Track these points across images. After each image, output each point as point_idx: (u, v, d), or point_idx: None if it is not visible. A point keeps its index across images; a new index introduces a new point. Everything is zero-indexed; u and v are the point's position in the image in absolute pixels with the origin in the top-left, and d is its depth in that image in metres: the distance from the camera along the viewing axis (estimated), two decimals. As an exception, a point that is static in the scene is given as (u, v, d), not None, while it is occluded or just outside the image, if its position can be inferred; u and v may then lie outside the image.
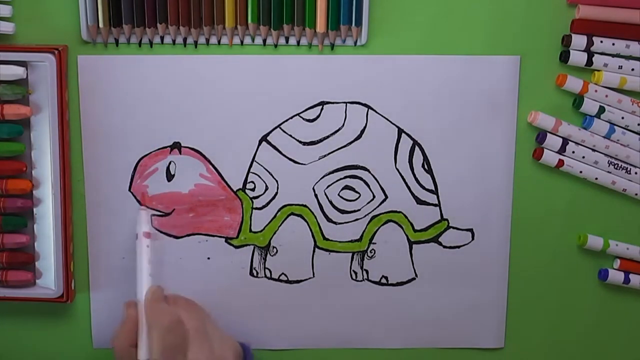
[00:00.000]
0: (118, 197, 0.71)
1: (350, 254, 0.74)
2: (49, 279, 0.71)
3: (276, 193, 0.72)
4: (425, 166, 0.72)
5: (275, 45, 0.69)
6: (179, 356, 0.63)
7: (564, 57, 0.70)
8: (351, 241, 0.73)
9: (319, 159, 0.71)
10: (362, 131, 0.71)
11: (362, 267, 0.74)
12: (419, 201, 0.73)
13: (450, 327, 0.76)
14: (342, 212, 0.73)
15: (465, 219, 0.73)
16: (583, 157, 0.72)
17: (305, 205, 0.72)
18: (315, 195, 0.72)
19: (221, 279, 0.73)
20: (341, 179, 0.72)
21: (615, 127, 0.72)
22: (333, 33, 0.68)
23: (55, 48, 0.66)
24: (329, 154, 0.71)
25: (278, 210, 0.72)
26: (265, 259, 0.73)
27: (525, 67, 0.71)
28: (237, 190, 0.72)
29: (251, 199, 0.72)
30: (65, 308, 0.74)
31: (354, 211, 0.73)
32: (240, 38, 0.69)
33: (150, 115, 0.70)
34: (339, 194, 0.72)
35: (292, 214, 0.72)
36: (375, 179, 0.72)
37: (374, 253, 0.74)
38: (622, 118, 0.71)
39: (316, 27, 0.68)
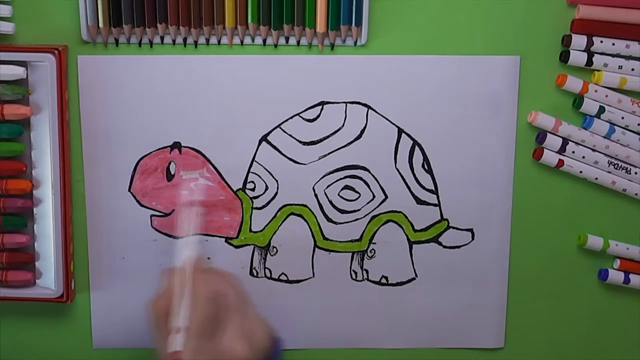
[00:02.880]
0: (118, 197, 0.71)
1: (350, 254, 0.74)
2: (49, 279, 0.71)
3: (276, 193, 0.72)
4: (425, 166, 0.72)
5: (275, 45, 0.69)
6: (216, 328, 0.63)
7: (564, 57, 0.70)
8: (351, 241, 0.73)
9: (319, 159, 0.72)
10: (362, 131, 0.71)
11: (362, 267, 0.74)
12: (419, 201, 0.73)
13: (450, 327, 0.76)
14: (342, 212, 0.73)
15: (465, 219, 0.73)
16: (583, 157, 0.72)
17: (305, 205, 0.72)
18: (315, 195, 0.72)
19: (221, 279, 0.73)
20: (341, 178, 0.72)
21: (615, 127, 0.72)
22: (333, 33, 0.68)
23: (55, 48, 0.66)
24: (329, 154, 0.71)
25: (278, 210, 0.72)
26: (265, 259, 0.73)
27: (525, 67, 0.71)
28: (237, 190, 0.72)
29: (251, 199, 0.72)
30: (65, 308, 0.74)
31: (354, 211, 0.73)
32: (240, 38, 0.69)
33: (150, 115, 0.70)
34: (339, 194, 0.72)
35: (292, 213, 0.72)
36: (375, 179, 0.72)
37: (374, 253, 0.74)
38: (622, 118, 0.71)
39: (316, 27, 0.68)
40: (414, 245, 0.74)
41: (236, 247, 0.73)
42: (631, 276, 0.75)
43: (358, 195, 0.72)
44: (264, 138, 0.71)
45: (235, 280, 0.67)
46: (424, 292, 0.75)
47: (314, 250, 0.73)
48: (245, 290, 0.67)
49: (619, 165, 0.72)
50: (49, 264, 0.70)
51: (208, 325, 0.62)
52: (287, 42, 0.69)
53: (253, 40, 0.69)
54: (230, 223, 0.73)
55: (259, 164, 0.71)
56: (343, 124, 0.71)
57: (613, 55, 0.70)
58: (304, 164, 0.72)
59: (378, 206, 0.73)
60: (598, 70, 0.70)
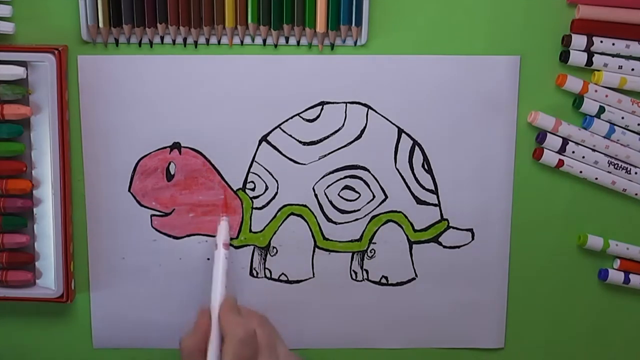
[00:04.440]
0: (118, 197, 0.71)
1: (350, 254, 0.74)
2: (49, 279, 0.71)
3: (276, 193, 0.72)
4: (425, 166, 0.72)
5: (275, 45, 0.69)
6: None
7: (564, 57, 0.70)
8: (351, 241, 0.73)
9: (319, 159, 0.72)
10: (362, 131, 0.71)
11: (362, 267, 0.74)
12: (419, 201, 0.73)
13: (451, 327, 0.76)
14: (342, 212, 0.73)
15: (465, 219, 0.73)
16: (583, 157, 0.72)
17: (305, 205, 0.72)
18: (315, 195, 0.72)
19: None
20: (341, 179, 0.72)
21: (615, 127, 0.72)
22: (333, 33, 0.68)
23: (55, 48, 0.66)
24: (329, 154, 0.71)
25: (278, 210, 0.72)
26: (265, 259, 0.73)
27: (525, 67, 0.71)
28: (237, 190, 0.72)
29: (251, 199, 0.72)
30: (65, 308, 0.74)
31: (354, 211, 0.73)
32: (240, 38, 0.69)
33: (150, 115, 0.70)
34: (339, 194, 0.72)
35: (292, 214, 0.72)
36: (375, 179, 0.72)
37: (374, 253, 0.74)
38: (622, 118, 0.71)
39: (316, 27, 0.68)
40: (414, 245, 0.74)
41: (236, 247, 0.73)
42: (631, 276, 0.75)
43: (358, 195, 0.72)
44: (264, 138, 0.71)
45: (264, 319, 0.67)
46: (424, 292, 0.75)
47: (314, 251, 0.73)
48: (274, 328, 0.68)
49: (619, 165, 0.72)
50: (49, 264, 0.70)
51: None
52: (287, 42, 0.69)
53: (253, 40, 0.69)
54: (230, 223, 0.72)
55: (259, 164, 0.71)
56: (343, 124, 0.71)
57: (613, 55, 0.70)
58: (304, 164, 0.72)
59: (378, 206, 0.73)
60: (598, 70, 0.70)
